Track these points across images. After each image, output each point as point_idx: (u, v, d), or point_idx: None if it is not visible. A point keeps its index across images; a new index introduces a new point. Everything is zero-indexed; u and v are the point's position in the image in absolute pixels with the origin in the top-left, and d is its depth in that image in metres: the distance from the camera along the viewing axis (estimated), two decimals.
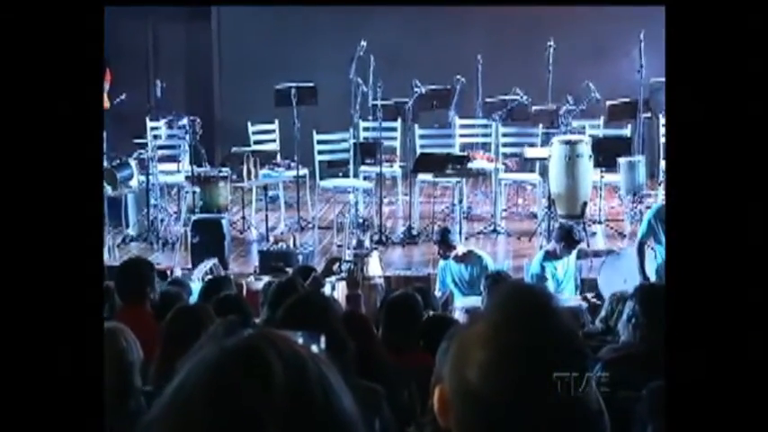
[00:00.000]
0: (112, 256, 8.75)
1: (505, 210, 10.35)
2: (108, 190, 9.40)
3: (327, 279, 7.01)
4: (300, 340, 1.07)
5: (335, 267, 6.06)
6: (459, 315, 6.67)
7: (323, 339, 1.11)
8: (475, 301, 6.92)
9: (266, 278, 6.95)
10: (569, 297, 7.28)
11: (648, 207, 8.39)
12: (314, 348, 1.08)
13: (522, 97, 9.98)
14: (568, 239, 7.41)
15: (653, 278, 7.32)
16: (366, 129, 10.50)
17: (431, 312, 5.07)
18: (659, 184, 9.24)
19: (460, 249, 7.66)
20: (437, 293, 7.56)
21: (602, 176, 9.51)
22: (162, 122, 10.75)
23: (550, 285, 7.24)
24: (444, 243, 7.60)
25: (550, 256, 7.49)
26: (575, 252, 7.54)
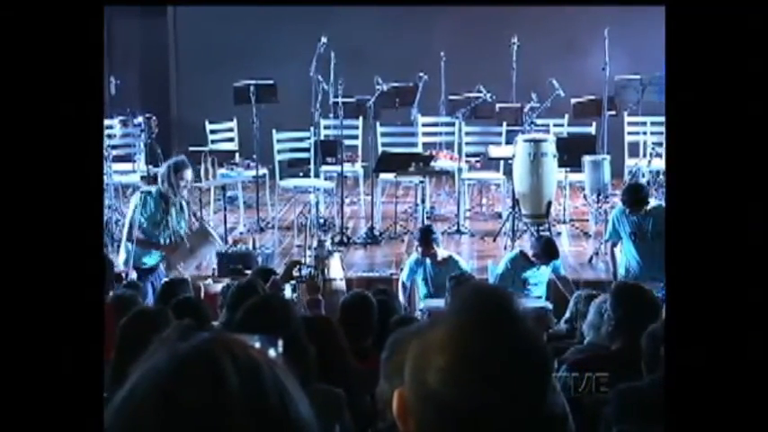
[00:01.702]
0: None
1: (469, 210, 10.38)
2: None
3: (287, 283, 7.00)
4: (257, 344, 1.06)
5: (295, 271, 6.05)
6: (420, 316, 6.67)
7: (280, 343, 1.11)
8: (440, 303, 6.94)
9: (225, 281, 6.92)
10: (536, 297, 7.31)
11: (613, 207, 8.46)
12: (271, 352, 1.07)
13: (485, 95, 10.02)
14: (549, 253, 7.41)
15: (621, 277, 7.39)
16: (327, 127, 10.49)
17: (396, 316, 5.05)
18: (623, 184, 9.31)
19: (440, 252, 7.64)
20: (401, 285, 7.59)
21: (566, 175, 9.58)
22: (116, 121, 10.64)
23: (517, 287, 7.26)
24: (426, 243, 7.59)
25: (524, 260, 7.50)
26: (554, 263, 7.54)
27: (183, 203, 7.34)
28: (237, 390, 1.00)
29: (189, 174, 7.30)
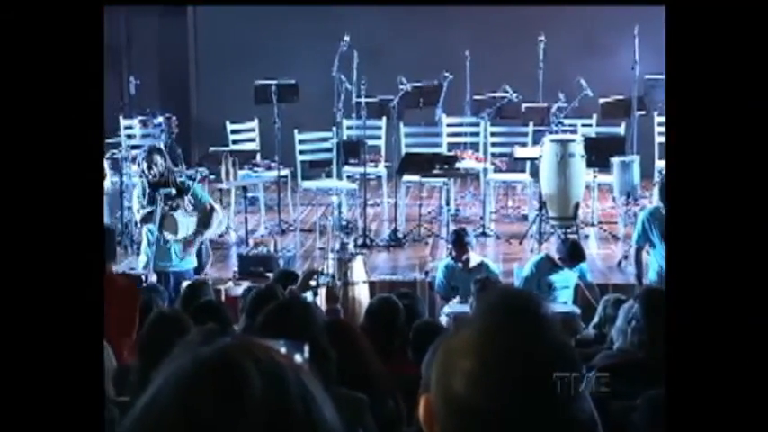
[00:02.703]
0: None
1: (495, 212, 10.37)
2: None
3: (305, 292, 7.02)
4: (283, 349, 1.07)
5: (312, 281, 6.06)
6: (446, 321, 6.67)
7: (306, 348, 1.11)
8: (464, 308, 6.93)
9: (246, 283, 6.94)
10: (562, 302, 7.29)
11: (642, 209, 8.41)
12: (297, 358, 1.08)
13: (511, 94, 10.00)
14: (575, 255, 7.37)
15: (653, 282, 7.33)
16: (349, 127, 10.51)
17: (419, 320, 5.05)
18: (654, 185, 9.27)
19: (473, 257, 7.60)
20: (438, 295, 7.57)
21: (594, 177, 9.55)
22: (136, 121, 10.71)
23: (543, 291, 7.24)
24: (459, 245, 7.55)
25: (550, 263, 7.47)
26: (582, 265, 7.51)
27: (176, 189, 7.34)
28: (260, 394, 1.01)
29: (158, 158, 7.37)
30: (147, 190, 7.32)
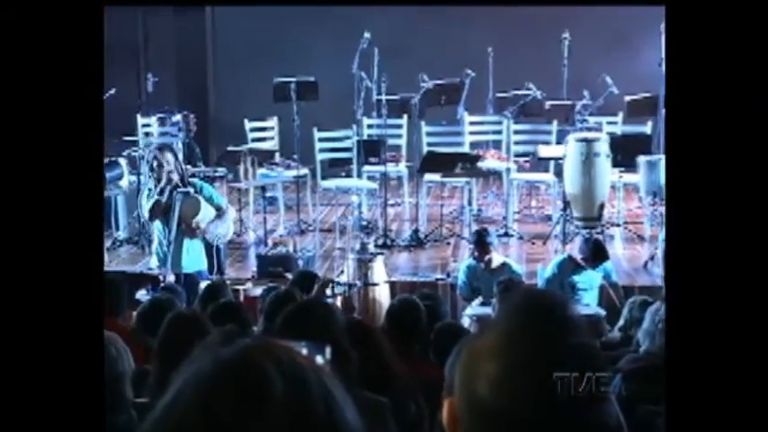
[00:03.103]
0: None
1: (518, 212, 10.35)
2: None
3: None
4: (304, 350, 1.07)
5: (328, 290, 6.07)
6: (468, 323, 6.67)
7: (328, 350, 1.12)
8: (485, 309, 6.92)
9: (265, 284, 6.96)
10: (585, 304, 7.26)
11: None
12: (318, 359, 1.08)
13: (535, 92, 9.98)
14: (597, 255, 7.35)
15: None
16: (370, 126, 10.51)
17: (441, 322, 5.05)
18: None
19: (496, 258, 7.59)
20: (460, 296, 7.56)
21: (620, 176, 9.50)
22: (153, 119, 10.76)
23: (566, 292, 7.22)
24: (481, 245, 7.54)
25: (573, 264, 7.45)
26: (606, 264, 7.48)
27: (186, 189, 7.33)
28: (282, 396, 1.01)
29: (168, 156, 7.36)
30: (155, 188, 7.31)
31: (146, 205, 7.44)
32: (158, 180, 7.25)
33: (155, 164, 7.29)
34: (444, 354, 3.43)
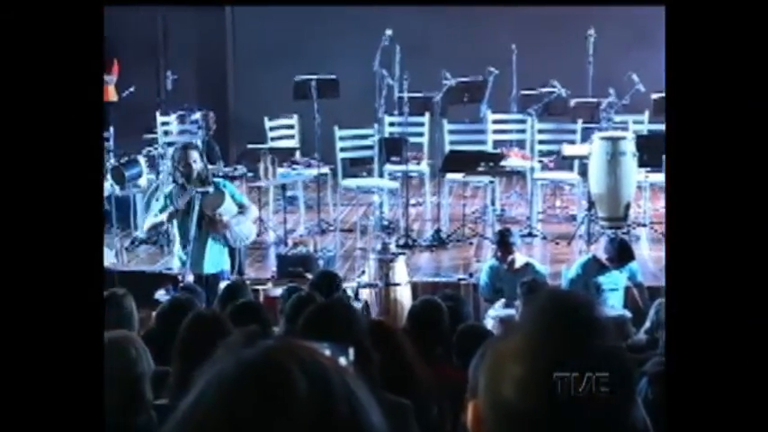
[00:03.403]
0: (120, 260, 8.82)
1: (542, 212, 10.32)
2: (115, 189, 9.46)
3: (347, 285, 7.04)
4: (327, 351, 1.08)
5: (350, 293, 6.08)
6: (491, 325, 6.66)
7: (351, 352, 1.12)
8: (509, 311, 6.91)
9: (285, 284, 6.97)
10: (612, 306, 7.24)
11: None
12: (341, 361, 1.08)
13: (559, 90, 9.96)
14: (623, 255, 7.31)
15: None
16: (392, 124, 10.52)
17: (464, 323, 5.05)
18: None
19: (519, 258, 7.57)
20: (482, 298, 7.55)
21: (646, 176, 9.47)
22: (173, 117, 10.81)
23: (590, 294, 7.19)
24: (504, 245, 7.53)
25: (598, 265, 7.43)
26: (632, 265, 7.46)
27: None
28: (305, 397, 1.02)
29: (194, 154, 7.35)
30: (177, 190, 7.29)
31: (155, 208, 7.46)
32: (187, 179, 7.23)
33: (181, 163, 7.27)
34: (467, 355, 3.44)
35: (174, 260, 7.62)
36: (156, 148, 10.02)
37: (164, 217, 7.38)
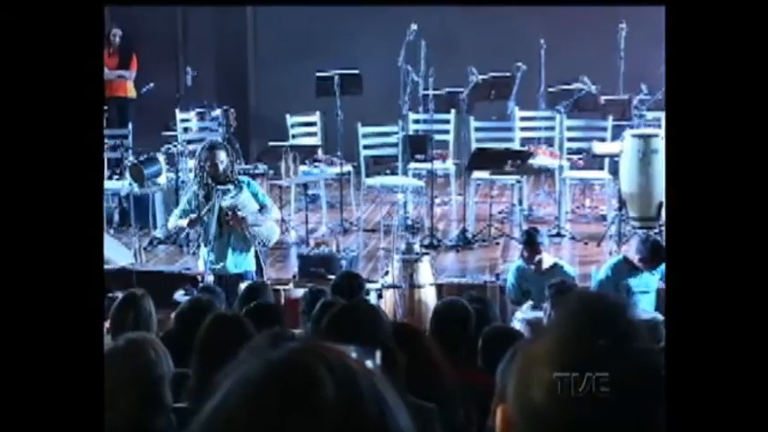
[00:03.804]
0: (138, 259, 8.87)
1: (571, 212, 10.30)
2: (134, 187, 9.52)
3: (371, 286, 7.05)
4: (353, 354, 1.09)
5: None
6: (520, 327, 6.65)
7: (378, 354, 1.13)
8: (536, 313, 6.90)
9: (306, 286, 6.98)
10: (643, 309, 7.21)
11: None
12: (368, 364, 1.09)
13: (589, 86, 9.92)
14: (656, 256, 7.27)
15: None
16: (416, 121, 10.52)
17: (489, 326, 5.05)
18: None
19: (546, 259, 7.54)
20: (510, 300, 7.54)
21: None
22: (192, 113, 10.86)
23: (621, 296, 7.16)
24: (531, 245, 7.50)
25: (629, 266, 7.39)
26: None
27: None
28: (333, 400, 1.03)
29: (221, 155, 7.33)
30: (202, 192, 7.30)
31: (179, 207, 7.49)
32: (213, 179, 7.21)
33: (208, 163, 7.25)
34: (493, 358, 3.43)
35: (200, 261, 7.65)
36: (175, 146, 10.06)
37: (184, 223, 7.40)
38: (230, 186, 7.27)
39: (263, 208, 7.40)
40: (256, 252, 7.59)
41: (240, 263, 7.39)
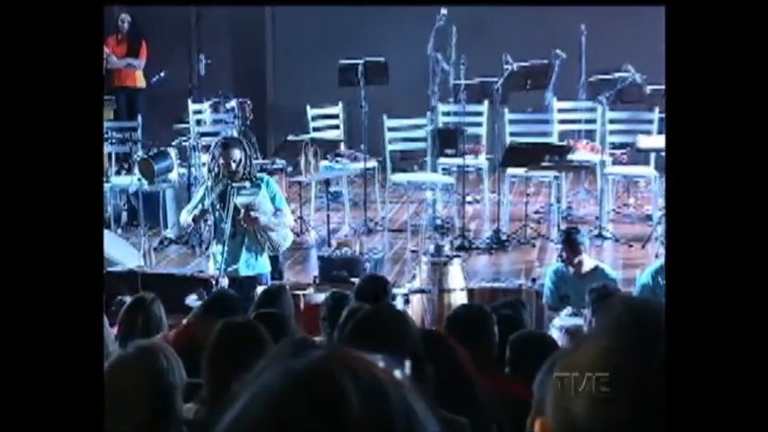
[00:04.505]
0: (148, 261, 8.91)
1: (613, 211, 10.27)
2: (143, 183, 9.56)
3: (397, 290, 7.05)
4: (382, 364, 1.09)
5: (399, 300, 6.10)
6: (557, 335, 6.64)
7: (408, 364, 1.13)
8: (576, 320, 6.88)
9: (327, 290, 6.99)
10: None
11: None
12: (397, 374, 1.09)
13: (634, 75, 9.89)
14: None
15: None
16: (446, 113, 10.52)
17: (518, 332, 5.04)
18: None
19: (587, 261, 7.51)
20: (546, 305, 7.52)
21: None
22: (206, 105, 10.89)
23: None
24: (570, 246, 7.46)
25: None
26: None
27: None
28: (359, 412, 1.03)
29: (236, 153, 7.32)
30: (214, 191, 7.32)
31: (188, 209, 7.52)
32: (229, 177, 7.22)
33: (220, 161, 7.27)
34: (523, 366, 3.41)
35: (210, 261, 7.68)
36: (187, 139, 10.10)
37: (189, 219, 7.43)
38: (247, 184, 7.28)
39: (277, 211, 7.39)
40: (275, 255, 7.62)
41: (254, 265, 7.41)
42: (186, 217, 7.54)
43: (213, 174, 7.34)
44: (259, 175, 7.58)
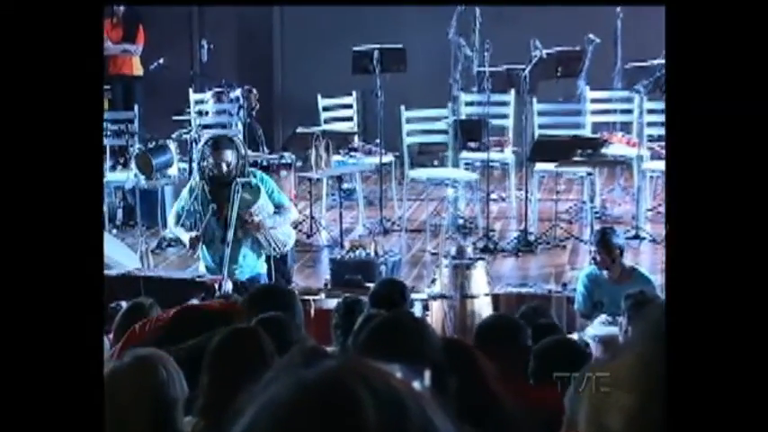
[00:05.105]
0: (146, 263, 8.94)
1: (651, 209, 10.25)
2: (141, 180, 9.59)
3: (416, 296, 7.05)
4: (399, 374, 1.09)
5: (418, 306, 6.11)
6: (592, 346, 6.63)
7: (428, 375, 1.14)
8: (611, 329, 6.86)
9: (340, 295, 7.00)
10: None
11: None
12: (416, 385, 1.10)
13: None
14: None
15: None
16: (469, 103, 10.52)
17: (546, 339, 5.05)
18: None
19: (623, 264, 7.47)
20: (578, 314, 7.50)
21: None
22: (209, 94, 10.92)
23: None
24: (605, 247, 7.43)
25: None
26: None
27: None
28: (375, 425, 1.04)
29: (228, 154, 7.34)
30: (207, 188, 7.34)
31: (174, 214, 7.55)
32: (218, 180, 7.24)
33: (209, 162, 7.30)
34: (546, 376, 3.40)
35: (200, 264, 7.70)
36: (188, 132, 10.12)
37: (185, 238, 7.46)
38: (248, 179, 7.30)
39: (279, 208, 7.41)
40: (284, 256, 7.64)
41: (254, 266, 7.45)
42: (174, 223, 7.58)
43: (202, 174, 7.37)
44: (252, 171, 7.58)
